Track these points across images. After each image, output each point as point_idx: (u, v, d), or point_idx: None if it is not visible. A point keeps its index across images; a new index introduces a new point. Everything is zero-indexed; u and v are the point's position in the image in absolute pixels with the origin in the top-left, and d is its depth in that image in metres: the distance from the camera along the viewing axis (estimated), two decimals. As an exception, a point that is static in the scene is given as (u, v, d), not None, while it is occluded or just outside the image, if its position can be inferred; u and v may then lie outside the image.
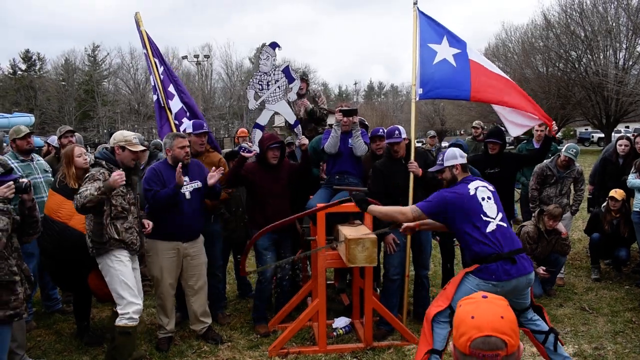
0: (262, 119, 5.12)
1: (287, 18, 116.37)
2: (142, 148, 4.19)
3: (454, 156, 3.84)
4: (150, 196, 4.38)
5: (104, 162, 4.04)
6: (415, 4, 5.13)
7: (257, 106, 5.12)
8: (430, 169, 4.16)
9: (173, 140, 4.52)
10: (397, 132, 4.81)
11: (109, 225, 3.96)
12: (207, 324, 4.79)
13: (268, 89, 5.06)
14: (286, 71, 5.10)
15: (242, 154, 4.88)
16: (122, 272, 4.00)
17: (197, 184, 4.59)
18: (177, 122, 5.54)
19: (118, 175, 3.78)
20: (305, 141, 5.18)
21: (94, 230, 4.01)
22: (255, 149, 4.96)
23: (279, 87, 5.05)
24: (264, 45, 5.21)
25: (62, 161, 4.67)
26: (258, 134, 4.99)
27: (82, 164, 4.60)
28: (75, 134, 7.16)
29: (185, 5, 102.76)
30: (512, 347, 1.57)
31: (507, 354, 1.57)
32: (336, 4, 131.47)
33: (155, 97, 5.67)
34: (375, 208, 3.93)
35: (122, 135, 4.14)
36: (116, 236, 3.97)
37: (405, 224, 4.11)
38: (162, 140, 5.68)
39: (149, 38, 5.63)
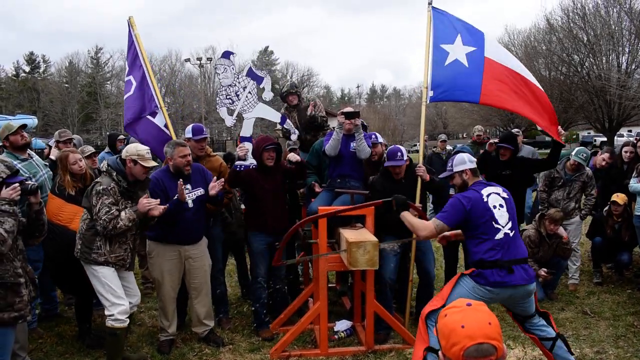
0: (246, 131, 5.01)
1: (290, 21, 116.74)
2: (154, 164, 4.18)
3: (462, 161, 3.85)
4: None
5: (114, 174, 4.06)
6: (430, 4, 5.12)
7: (234, 120, 5.02)
8: (440, 175, 4.17)
9: (174, 149, 4.47)
10: (399, 154, 4.70)
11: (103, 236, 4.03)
12: (210, 326, 4.79)
13: (239, 100, 4.96)
14: (250, 73, 4.95)
15: (239, 170, 4.87)
16: (103, 274, 4.06)
17: (200, 192, 4.57)
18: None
19: (147, 204, 4.02)
20: (298, 157, 5.09)
21: (86, 235, 4.08)
22: (252, 161, 4.90)
23: (249, 92, 4.91)
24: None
25: (58, 166, 4.65)
26: (249, 146, 4.94)
27: (78, 170, 4.60)
28: (75, 136, 7.16)
29: (187, 9, 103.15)
30: (500, 351, 1.62)
31: (497, 357, 1.61)
32: (340, 8, 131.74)
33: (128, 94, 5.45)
34: (407, 216, 3.88)
35: (135, 148, 4.12)
36: (107, 248, 4.03)
37: (443, 234, 4.05)
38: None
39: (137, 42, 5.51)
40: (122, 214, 3.97)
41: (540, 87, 5.14)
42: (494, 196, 3.66)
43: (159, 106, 5.38)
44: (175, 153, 4.45)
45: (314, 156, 5.36)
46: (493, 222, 3.56)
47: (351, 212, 4.50)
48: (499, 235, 3.54)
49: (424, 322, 3.32)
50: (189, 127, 5.12)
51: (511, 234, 3.59)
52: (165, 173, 4.55)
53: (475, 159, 3.97)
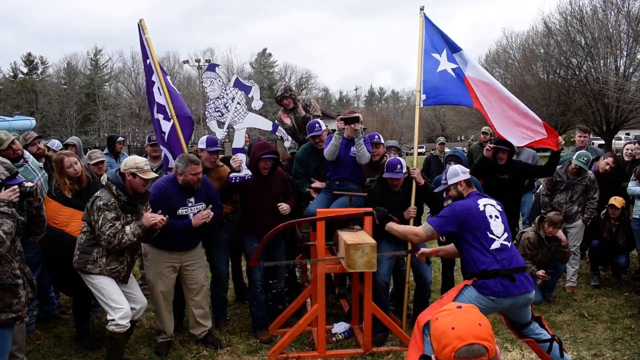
0: (238, 142, 4.94)
1: (291, 23, 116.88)
2: (154, 175, 4.17)
3: (456, 173, 3.91)
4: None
5: (114, 188, 4.05)
6: (421, 9, 5.15)
7: (225, 133, 4.98)
8: (436, 189, 4.24)
9: (186, 166, 4.41)
10: (399, 166, 4.68)
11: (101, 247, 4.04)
12: (207, 327, 4.79)
13: (228, 111, 4.91)
14: (237, 84, 4.93)
15: (234, 182, 4.85)
16: (100, 281, 4.08)
17: (202, 206, 4.57)
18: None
19: (152, 218, 4.02)
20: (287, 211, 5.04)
21: (84, 246, 4.10)
22: (247, 172, 4.87)
23: (239, 103, 4.87)
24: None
25: (54, 170, 4.63)
26: (243, 158, 4.91)
27: (74, 174, 4.58)
28: (75, 138, 7.13)
29: (187, 11, 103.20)
30: (492, 352, 1.63)
31: (489, 358, 1.62)
32: (340, 10, 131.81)
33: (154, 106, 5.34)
34: (393, 226, 4.05)
35: (133, 161, 4.09)
36: (104, 261, 4.04)
37: (422, 250, 4.25)
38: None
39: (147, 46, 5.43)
40: (127, 228, 3.97)
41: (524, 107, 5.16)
42: (490, 207, 3.75)
43: (170, 114, 5.17)
44: (187, 170, 4.40)
45: (299, 165, 5.36)
46: (488, 232, 3.63)
47: (337, 217, 4.52)
48: (495, 245, 3.61)
49: (421, 329, 3.33)
50: (203, 138, 5.07)
51: (508, 245, 3.68)
52: (172, 183, 4.49)
53: (467, 170, 4.03)
